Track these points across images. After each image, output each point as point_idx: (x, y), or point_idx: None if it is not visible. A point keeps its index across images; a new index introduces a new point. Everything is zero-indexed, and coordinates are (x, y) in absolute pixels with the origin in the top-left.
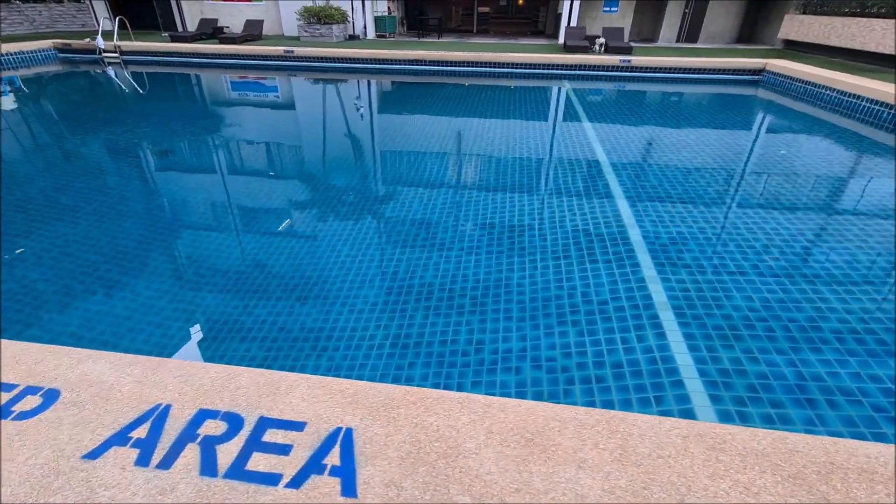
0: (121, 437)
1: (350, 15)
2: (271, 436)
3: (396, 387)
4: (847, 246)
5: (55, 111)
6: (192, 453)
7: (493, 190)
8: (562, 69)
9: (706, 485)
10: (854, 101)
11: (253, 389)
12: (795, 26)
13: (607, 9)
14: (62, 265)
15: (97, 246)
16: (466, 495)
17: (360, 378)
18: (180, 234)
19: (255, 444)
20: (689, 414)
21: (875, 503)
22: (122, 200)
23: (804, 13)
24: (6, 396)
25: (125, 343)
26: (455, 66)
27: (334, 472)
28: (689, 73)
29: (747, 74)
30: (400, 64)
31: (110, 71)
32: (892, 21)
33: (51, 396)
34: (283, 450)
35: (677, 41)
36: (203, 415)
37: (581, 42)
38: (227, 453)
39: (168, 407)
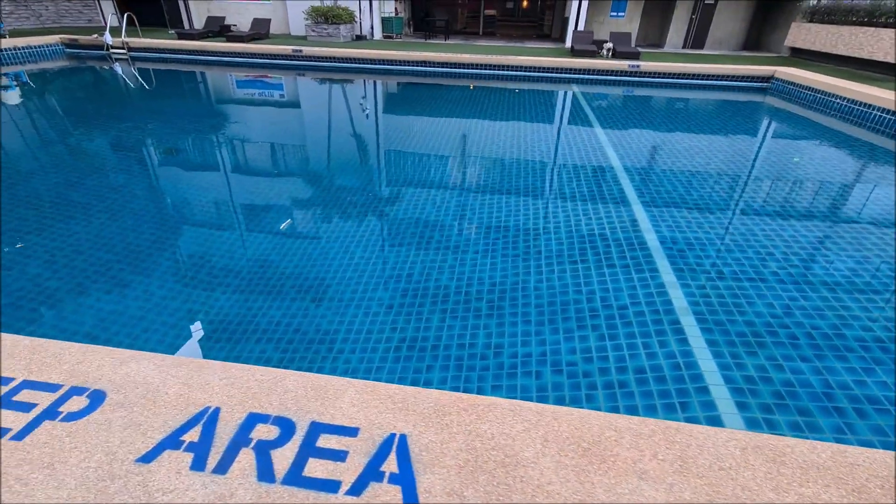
0: (173, 441)
1: (357, 15)
2: (325, 441)
3: (445, 392)
4: (866, 254)
5: (65, 107)
6: (247, 458)
7: (506, 193)
8: (571, 73)
9: (771, 498)
10: (865, 110)
11: (301, 393)
12: (802, 34)
13: (614, 13)
14: (75, 263)
15: (109, 244)
16: None
17: (377, 381)
18: (193, 234)
19: (309, 449)
20: (716, 421)
21: None
22: (134, 198)
23: (811, 21)
24: (50, 397)
25: (139, 344)
26: (466, 68)
27: (393, 479)
28: (697, 80)
29: (756, 81)
30: (412, 65)
31: (118, 67)
32: None
33: (97, 398)
34: (339, 456)
35: (684, 47)
36: (253, 419)
37: (589, 46)
38: (282, 459)
39: (217, 410)
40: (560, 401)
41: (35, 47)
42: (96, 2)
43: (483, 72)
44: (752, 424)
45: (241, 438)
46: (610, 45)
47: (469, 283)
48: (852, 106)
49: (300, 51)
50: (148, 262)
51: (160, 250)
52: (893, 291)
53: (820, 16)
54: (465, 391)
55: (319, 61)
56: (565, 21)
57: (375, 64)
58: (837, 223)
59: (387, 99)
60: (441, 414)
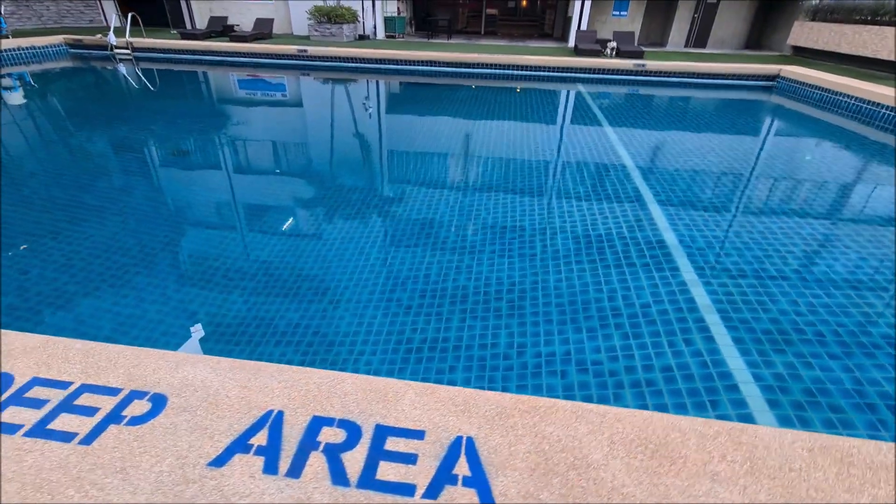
0: (241, 445)
1: (360, 15)
2: (393, 444)
3: (504, 394)
4: (886, 252)
5: (72, 109)
6: (317, 461)
7: (520, 192)
8: (576, 72)
9: (846, 499)
10: (873, 108)
11: (361, 396)
12: (805, 33)
13: (617, 13)
14: (92, 267)
15: (125, 248)
16: None
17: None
18: (207, 237)
19: (378, 452)
20: (748, 418)
21: None
22: (147, 201)
23: (813, 20)
24: (112, 401)
25: (159, 347)
26: (471, 67)
27: (467, 482)
28: (702, 79)
29: (762, 80)
30: (417, 65)
31: (122, 68)
32: None
33: (159, 401)
34: (409, 459)
35: (686, 46)
36: (318, 422)
37: (593, 46)
38: (353, 462)
39: (281, 413)
40: (588, 399)
41: (39, 48)
42: (97, 2)
43: (494, 71)
44: (785, 422)
45: (308, 442)
46: (614, 44)
47: (487, 283)
48: (861, 104)
49: (305, 51)
50: (163, 264)
51: (174, 253)
52: None
53: (822, 14)
54: (489, 390)
55: (326, 61)
56: (567, 20)
57: (384, 64)
58: (857, 222)
59: (399, 100)
60: (504, 416)
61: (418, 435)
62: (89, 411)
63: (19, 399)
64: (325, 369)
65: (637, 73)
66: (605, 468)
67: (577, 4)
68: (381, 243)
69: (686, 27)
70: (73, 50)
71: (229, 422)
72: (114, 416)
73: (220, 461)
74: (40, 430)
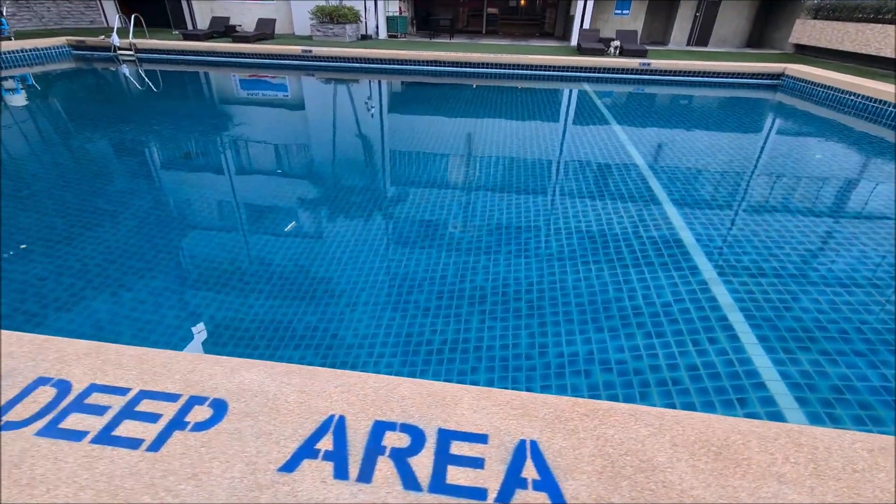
0: (308, 450)
1: (362, 15)
2: (457, 448)
3: (561, 398)
4: None
5: (77, 110)
6: (386, 466)
7: (533, 193)
8: (581, 71)
9: None
10: (881, 106)
11: (419, 400)
12: (807, 31)
13: (619, 11)
14: (108, 272)
15: (140, 252)
16: None
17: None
18: (222, 240)
19: (445, 456)
20: (777, 416)
21: None
22: (159, 205)
23: (815, 18)
24: (173, 407)
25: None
26: (475, 67)
27: (537, 486)
28: (707, 77)
29: (766, 79)
30: (421, 65)
31: (125, 69)
32: None
33: (220, 407)
34: (476, 463)
35: (688, 44)
36: (380, 426)
37: (596, 44)
38: (421, 466)
39: (343, 418)
40: (614, 398)
41: (42, 49)
42: (98, 3)
43: (498, 71)
44: (815, 419)
45: (373, 446)
46: (617, 42)
47: (506, 284)
48: (867, 103)
49: (309, 51)
50: (179, 269)
51: (188, 257)
52: None
53: (825, 12)
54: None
55: (330, 61)
56: (569, 19)
57: (390, 64)
58: (871, 219)
59: (408, 100)
60: (563, 419)
61: (482, 439)
62: (152, 417)
63: (80, 406)
64: (378, 373)
65: (642, 71)
66: (672, 471)
67: (580, 3)
68: (396, 245)
69: (688, 25)
70: (76, 51)
71: (293, 427)
72: (177, 423)
73: (289, 466)
74: (106, 437)
